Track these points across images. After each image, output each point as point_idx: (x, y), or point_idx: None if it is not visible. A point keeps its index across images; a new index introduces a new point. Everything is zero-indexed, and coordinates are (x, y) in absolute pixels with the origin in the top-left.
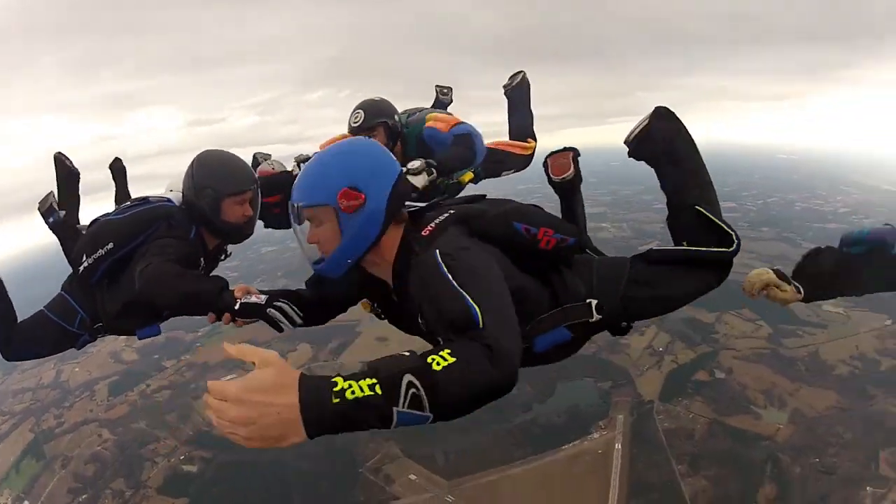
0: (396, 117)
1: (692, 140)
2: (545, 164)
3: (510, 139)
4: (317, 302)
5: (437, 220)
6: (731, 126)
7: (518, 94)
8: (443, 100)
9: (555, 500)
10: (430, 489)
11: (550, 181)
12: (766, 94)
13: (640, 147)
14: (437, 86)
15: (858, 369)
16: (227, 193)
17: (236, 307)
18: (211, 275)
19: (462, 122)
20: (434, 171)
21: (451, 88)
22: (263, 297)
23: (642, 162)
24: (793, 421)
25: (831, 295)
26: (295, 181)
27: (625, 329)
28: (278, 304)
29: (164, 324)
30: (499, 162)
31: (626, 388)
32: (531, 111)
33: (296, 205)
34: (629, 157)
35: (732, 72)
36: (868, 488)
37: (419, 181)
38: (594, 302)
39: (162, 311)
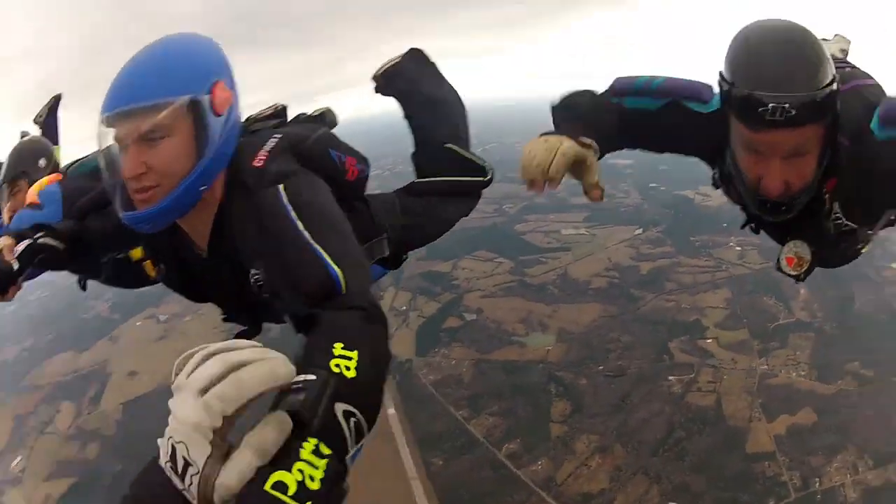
0: (43, 161)
1: (444, 80)
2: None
3: None
4: (77, 232)
5: (268, 147)
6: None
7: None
8: None
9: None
10: None
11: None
12: (481, 50)
13: (389, 83)
14: None
15: (617, 278)
16: None
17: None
18: None
19: (32, 206)
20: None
21: None
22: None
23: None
24: (561, 340)
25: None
26: (119, 80)
27: (403, 261)
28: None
29: None
30: None
31: None
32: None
33: (120, 109)
34: (376, 92)
35: (450, 31)
36: (671, 377)
37: None
38: (385, 236)
39: None
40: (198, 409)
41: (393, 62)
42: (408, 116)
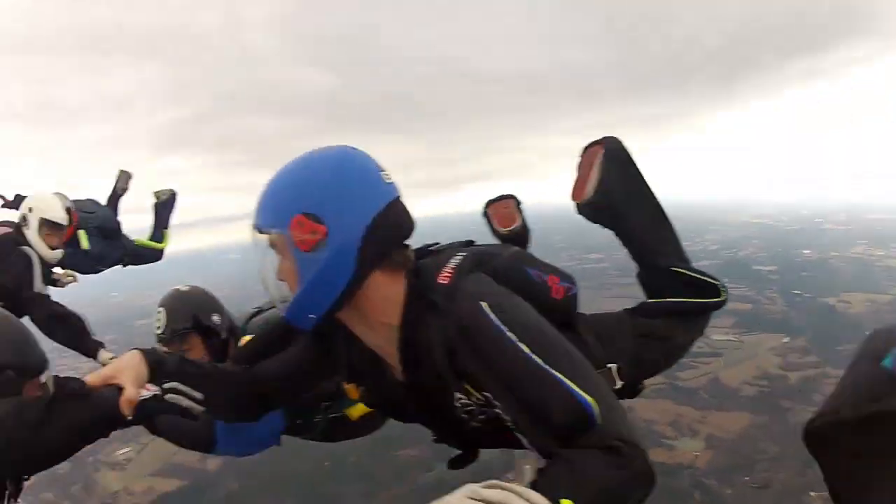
0: (216, 317)
1: (646, 183)
2: (485, 215)
3: None
4: (246, 381)
5: (452, 263)
6: None
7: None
8: None
9: None
10: None
11: (495, 233)
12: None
13: (598, 214)
14: None
15: (766, 387)
16: (34, 371)
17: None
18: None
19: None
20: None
21: None
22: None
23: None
24: (710, 446)
25: None
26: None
27: (639, 391)
28: (170, 384)
29: None
30: None
31: None
32: None
33: (252, 224)
34: (579, 214)
35: (571, 130)
36: (811, 493)
37: None
38: (614, 366)
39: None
40: None
41: (596, 183)
42: (622, 239)
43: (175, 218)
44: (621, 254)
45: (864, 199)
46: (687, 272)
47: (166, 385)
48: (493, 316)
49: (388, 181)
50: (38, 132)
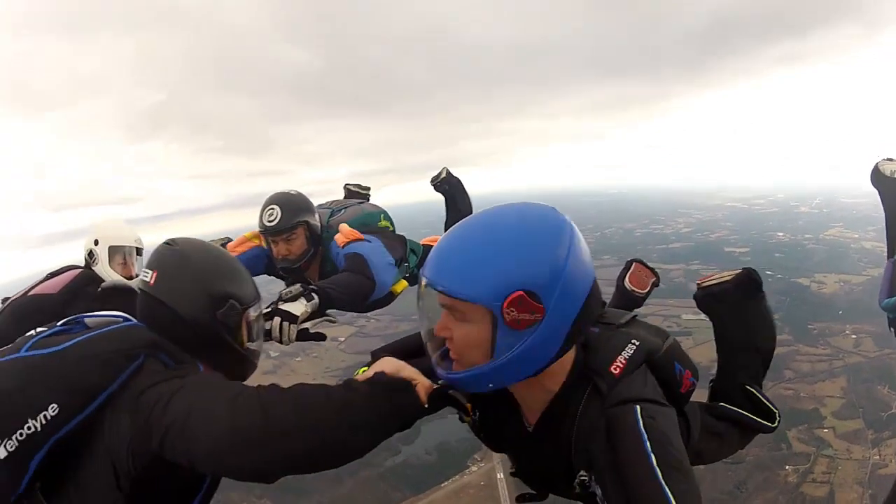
0: (316, 216)
1: (767, 319)
2: (628, 265)
3: None
4: None
5: (626, 355)
6: (561, 168)
7: (449, 188)
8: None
9: None
10: None
11: (620, 285)
12: (589, 133)
13: (712, 306)
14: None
15: None
16: (250, 303)
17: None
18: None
19: (360, 240)
20: (315, 297)
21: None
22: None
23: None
24: None
25: None
26: (439, 244)
27: None
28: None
29: None
30: None
31: None
32: (469, 203)
33: (435, 285)
34: (695, 298)
35: (550, 114)
36: (787, 467)
37: (296, 308)
38: None
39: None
40: None
41: (722, 281)
42: (717, 336)
43: (154, 209)
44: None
45: (841, 184)
46: (757, 394)
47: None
48: (641, 423)
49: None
50: (6, 118)
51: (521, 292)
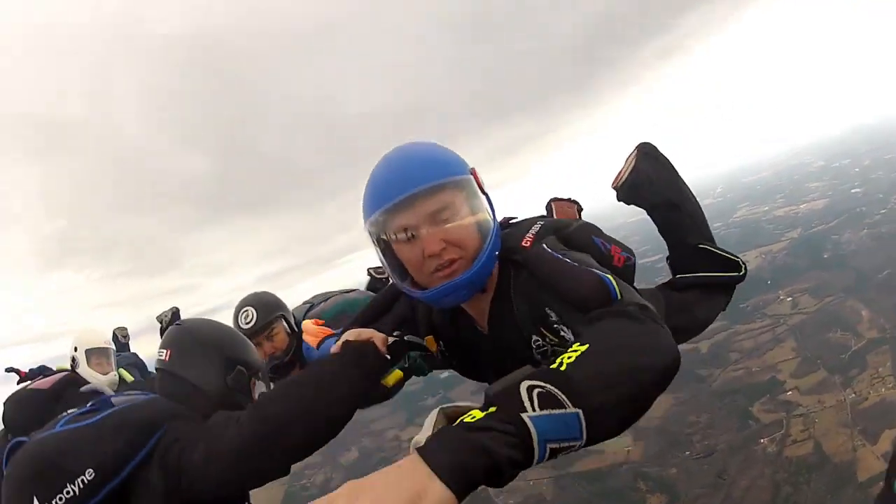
0: (289, 312)
1: (678, 175)
2: (548, 208)
3: None
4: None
5: (533, 231)
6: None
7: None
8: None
9: None
10: None
11: None
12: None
13: (631, 192)
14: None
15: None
16: (256, 369)
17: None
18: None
19: (332, 335)
20: None
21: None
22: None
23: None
24: (639, 437)
25: None
26: (381, 176)
27: None
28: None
29: None
30: None
31: None
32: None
33: (413, 193)
34: (619, 200)
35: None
36: (762, 440)
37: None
38: None
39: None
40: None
41: (630, 169)
42: (655, 221)
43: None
44: None
45: (739, 166)
46: (711, 248)
47: (396, 333)
48: (548, 249)
49: None
50: None
51: (472, 168)
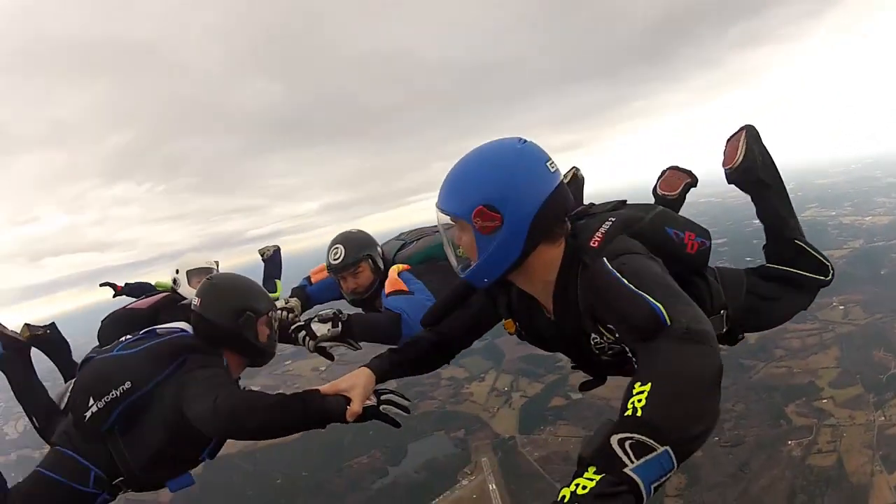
0: (379, 248)
1: (772, 158)
2: (662, 173)
3: None
4: (436, 342)
5: (603, 229)
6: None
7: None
8: None
9: None
10: None
11: (654, 192)
12: (564, 143)
13: (745, 175)
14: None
15: (724, 350)
16: (263, 313)
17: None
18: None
19: (402, 291)
20: (340, 325)
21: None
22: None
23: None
24: None
25: None
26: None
27: (739, 340)
28: (386, 396)
29: None
30: None
31: (481, 431)
32: None
33: (438, 206)
34: (729, 183)
35: (516, 128)
36: (790, 442)
37: (320, 329)
38: (725, 312)
39: (200, 456)
40: None
41: (744, 151)
42: (758, 206)
43: (135, 255)
44: None
45: (812, 167)
46: (806, 247)
47: (383, 397)
48: (610, 266)
49: (552, 170)
50: None
51: (482, 206)
